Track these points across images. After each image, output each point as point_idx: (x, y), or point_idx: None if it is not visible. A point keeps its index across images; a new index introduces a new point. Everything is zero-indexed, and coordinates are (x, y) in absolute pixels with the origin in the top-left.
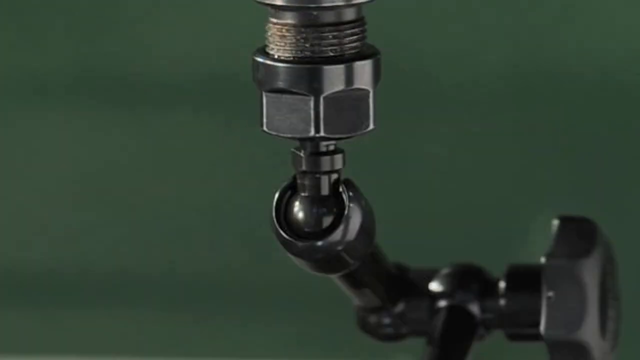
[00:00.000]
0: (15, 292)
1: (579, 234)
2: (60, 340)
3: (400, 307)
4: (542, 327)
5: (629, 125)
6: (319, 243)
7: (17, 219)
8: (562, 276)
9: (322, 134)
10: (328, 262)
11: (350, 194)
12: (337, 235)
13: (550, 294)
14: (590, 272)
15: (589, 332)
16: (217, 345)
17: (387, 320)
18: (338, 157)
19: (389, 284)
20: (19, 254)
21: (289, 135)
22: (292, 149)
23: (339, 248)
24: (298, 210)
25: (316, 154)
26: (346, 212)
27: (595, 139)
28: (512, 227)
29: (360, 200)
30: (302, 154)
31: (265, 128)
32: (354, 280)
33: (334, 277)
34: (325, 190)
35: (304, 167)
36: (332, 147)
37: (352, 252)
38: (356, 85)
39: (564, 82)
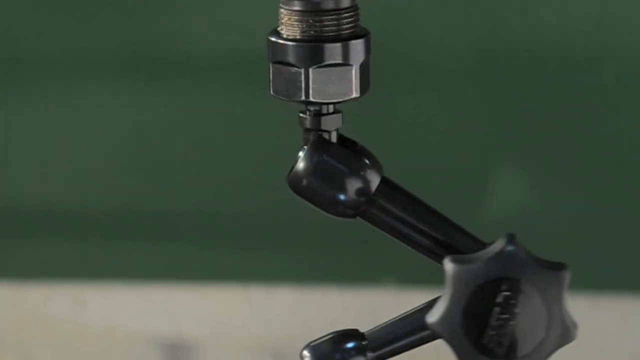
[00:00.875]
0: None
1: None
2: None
3: None
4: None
5: (573, 93)
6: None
7: (77, 170)
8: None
9: (310, 99)
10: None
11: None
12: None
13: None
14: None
15: (447, 325)
16: (224, 271)
17: None
18: (336, 117)
19: None
20: (76, 195)
21: (287, 99)
22: (299, 112)
23: (304, 182)
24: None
25: (317, 115)
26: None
27: (547, 104)
28: (476, 178)
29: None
30: (306, 115)
31: (271, 92)
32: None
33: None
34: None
35: (308, 126)
36: (331, 109)
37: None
38: (341, 60)
39: (522, 58)
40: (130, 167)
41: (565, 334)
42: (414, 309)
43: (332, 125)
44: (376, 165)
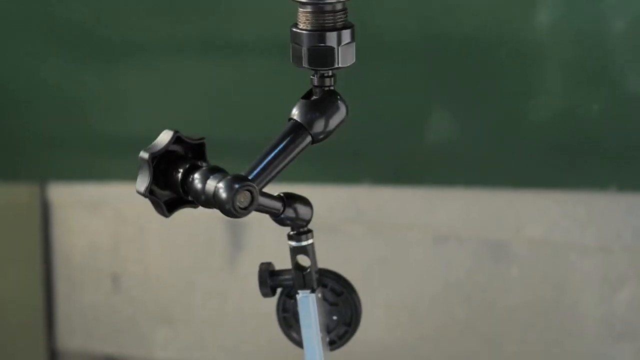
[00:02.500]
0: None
1: None
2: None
3: None
4: None
5: (483, 62)
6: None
7: (173, 115)
8: None
9: (306, 66)
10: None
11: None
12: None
13: None
14: None
15: None
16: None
17: None
18: (332, 79)
19: None
20: None
21: (296, 66)
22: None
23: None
24: None
25: (321, 77)
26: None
27: (466, 70)
28: (420, 118)
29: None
30: (315, 77)
31: (291, 61)
32: None
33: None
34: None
35: (315, 84)
36: (330, 73)
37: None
38: (328, 44)
39: (453, 39)
40: (205, 114)
41: None
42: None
43: (331, 84)
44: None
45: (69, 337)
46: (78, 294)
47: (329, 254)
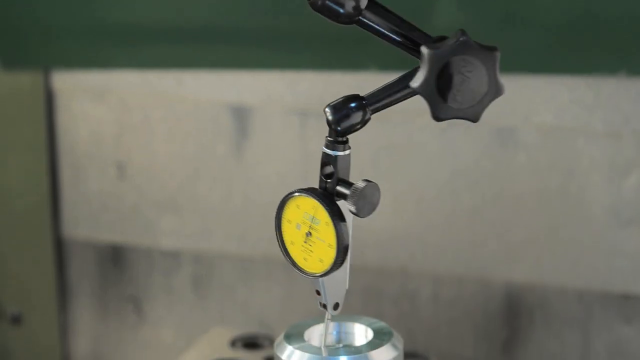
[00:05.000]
0: None
1: None
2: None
3: None
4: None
5: None
6: None
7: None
8: None
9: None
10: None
11: None
12: None
13: None
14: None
15: (425, 87)
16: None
17: None
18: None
19: None
20: None
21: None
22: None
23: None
24: None
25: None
26: None
27: None
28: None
29: None
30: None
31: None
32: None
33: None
34: None
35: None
36: None
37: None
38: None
39: None
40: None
41: (498, 89)
42: (398, 77)
43: None
44: None
45: (74, 226)
46: (83, 182)
47: None
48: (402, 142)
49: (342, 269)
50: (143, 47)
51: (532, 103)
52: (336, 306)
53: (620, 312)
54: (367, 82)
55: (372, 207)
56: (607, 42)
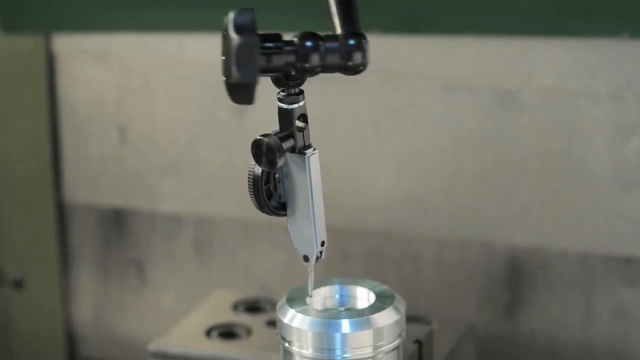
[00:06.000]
0: None
1: None
2: None
3: None
4: None
5: None
6: None
7: None
8: None
9: None
10: None
11: None
12: None
13: None
14: None
15: None
16: None
17: None
18: None
19: None
20: None
21: None
22: None
23: None
24: None
25: None
26: None
27: None
28: None
29: None
30: None
31: None
32: None
33: None
34: None
35: None
36: None
37: None
38: None
39: None
40: None
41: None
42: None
43: None
44: None
45: (75, 190)
46: (84, 146)
47: (337, 105)
48: (404, 106)
49: (305, 217)
50: (144, 10)
51: (534, 66)
52: (305, 258)
53: (622, 275)
54: (369, 44)
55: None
56: (610, 3)
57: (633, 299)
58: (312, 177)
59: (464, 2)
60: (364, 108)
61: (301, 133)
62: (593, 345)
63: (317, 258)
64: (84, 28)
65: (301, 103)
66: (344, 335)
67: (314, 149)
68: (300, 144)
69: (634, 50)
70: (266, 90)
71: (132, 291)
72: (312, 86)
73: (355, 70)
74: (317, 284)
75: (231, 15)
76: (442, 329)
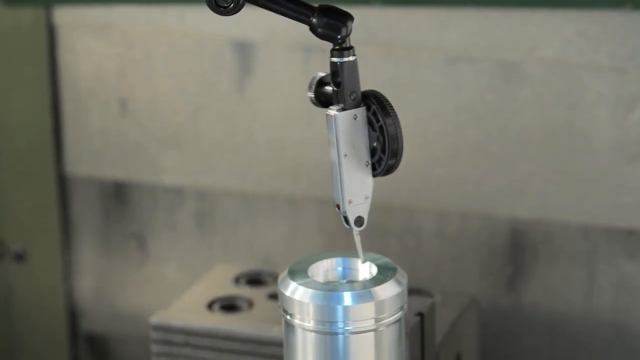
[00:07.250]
0: None
1: None
2: None
3: None
4: None
5: None
6: None
7: None
8: None
9: None
10: None
11: None
12: None
13: None
14: None
15: None
16: None
17: None
18: None
19: None
20: None
21: None
22: None
23: None
24: None
25: None
26: None
27: None
28: None
29: None
30: None
31: None
32: None
33: None
34: None
35: None
36: None
37: None
38: None
39: None
40: None
41: None
42: None
43: None
44: None
45: (76, 162)
46: (85, 119)
47: None
48: (405, 78)
49: (365, 170)
50: None
51: (536, 37)
52: (360, 221)
53: (624, 247)
54: (371, 17)
55: None
56: None
57: (635, 271)
58: (329, 136)
59: None
60: (366, 80)
61: (334, 90)
62: (595, 318)
63: (359, 223)
64: (85, 0)
65: (334, 59)
66: (345, 308)
67: (341, 110)
68: (334, 98)
69: (637, 22)
70: (267, 63)
71: (133, 264)
72: (315, 58)
73: None
74: (319, 257)
75: None
76: (444, 302)
